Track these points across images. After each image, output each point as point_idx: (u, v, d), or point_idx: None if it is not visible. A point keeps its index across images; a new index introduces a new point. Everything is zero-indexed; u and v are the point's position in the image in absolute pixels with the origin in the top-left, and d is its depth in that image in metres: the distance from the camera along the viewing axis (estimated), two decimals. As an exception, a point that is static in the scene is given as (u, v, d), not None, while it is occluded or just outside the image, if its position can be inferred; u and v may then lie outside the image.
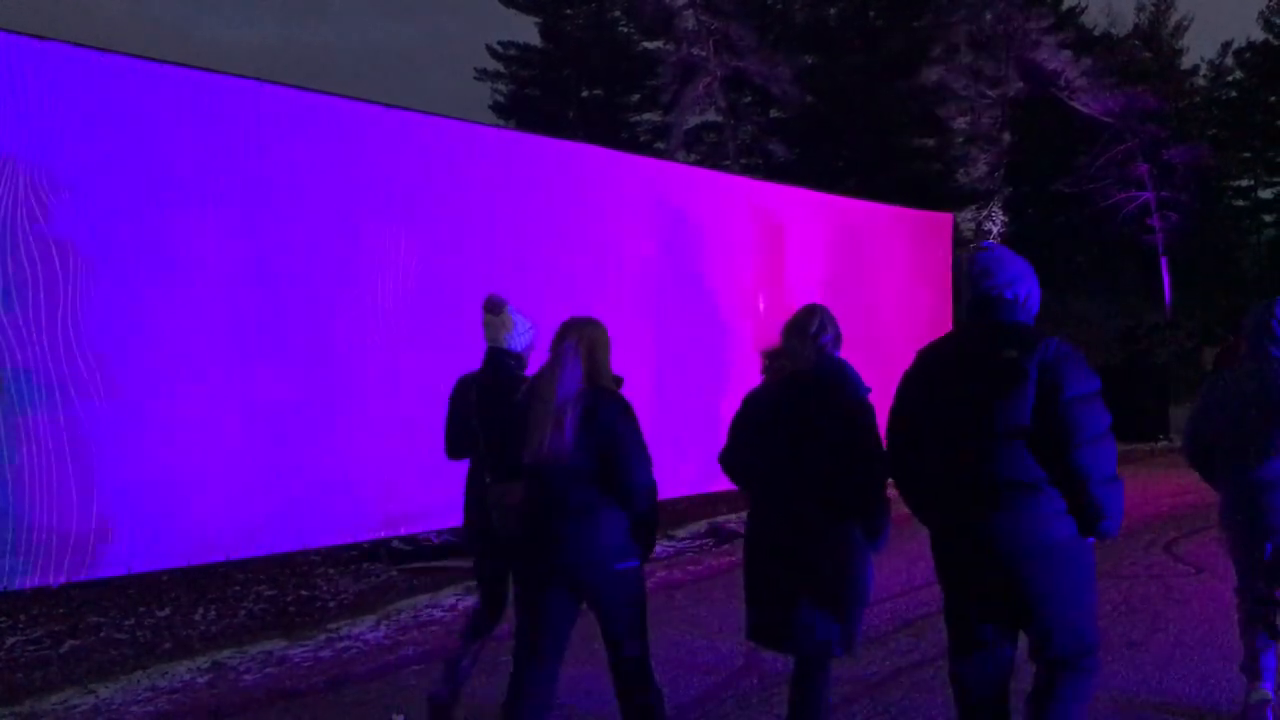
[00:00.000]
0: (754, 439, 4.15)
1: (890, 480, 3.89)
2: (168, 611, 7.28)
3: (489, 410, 4.70)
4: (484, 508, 4.69)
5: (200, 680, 5.72)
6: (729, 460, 4.30)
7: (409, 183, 7.49)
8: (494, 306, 4.88)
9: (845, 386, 4.05)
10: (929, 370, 3.64)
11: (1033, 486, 3.33)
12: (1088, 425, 3.27)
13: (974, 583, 3.55)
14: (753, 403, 4.23)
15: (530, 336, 4.90)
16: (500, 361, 4.83)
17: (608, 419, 3.90)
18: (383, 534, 7.55)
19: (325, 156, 6.97)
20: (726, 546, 9.19)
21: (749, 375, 10.16)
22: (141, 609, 7.32)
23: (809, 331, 4.11)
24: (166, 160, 6.17)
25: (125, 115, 6.04)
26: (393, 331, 7.34)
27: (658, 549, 9.02)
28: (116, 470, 5.93)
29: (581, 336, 4.01)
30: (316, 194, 6.91)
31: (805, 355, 4.08)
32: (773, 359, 4.20)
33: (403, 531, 7.72)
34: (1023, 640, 3.70)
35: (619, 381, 4.09)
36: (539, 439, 3.92)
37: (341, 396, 7.03)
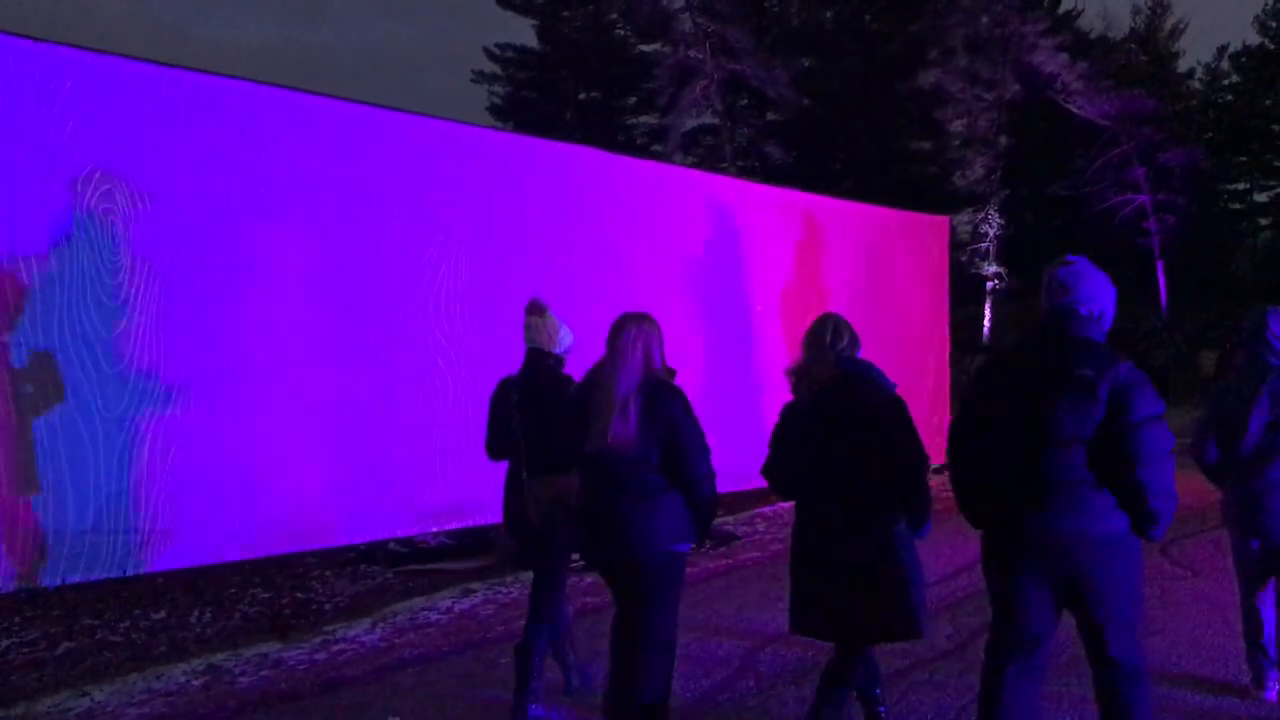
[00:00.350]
0: (792, 450, 4.33)
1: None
2: (163, 614, 7.27)
3: (529, 409, 4.93)
4: (520, 499, 4.94)
5: (195, 683, 5.71)
6: (770, 471, 4.48)
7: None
8: (537, 309, 5.08)
9: (873, 386, 4.24)
10: (1001, 376, 3.83)
11: (1088, 484, 3.54)
12: (1152, 447, 3.49)
13: (1026, 576, 3.67)
14: (789, 415, 4.41)
15: (570, 339, 5.11)
16: (541, 362, 5.01)
17: (668, 410, 4.18)
18: (383, 535, 7.54)
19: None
20: (723, 549, 9.19)
21: (741, 379, 10.18)
22: (137, 611, 7.31)
23: (825, 341, 4.30)
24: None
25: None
26: (396, 334, 7.33)
27: (654, 551, 9.04)
28: (112, 473, 5.92)
29: (639, 331, 4.27)
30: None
31: (827, 363, 4.26)
32: (799, 375, 4.37)
33: (401, 533, 7.70)
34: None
35: (672, 374, 4.33)
36: (601, 428, 4.18)
37: (338, 399, 7.02)
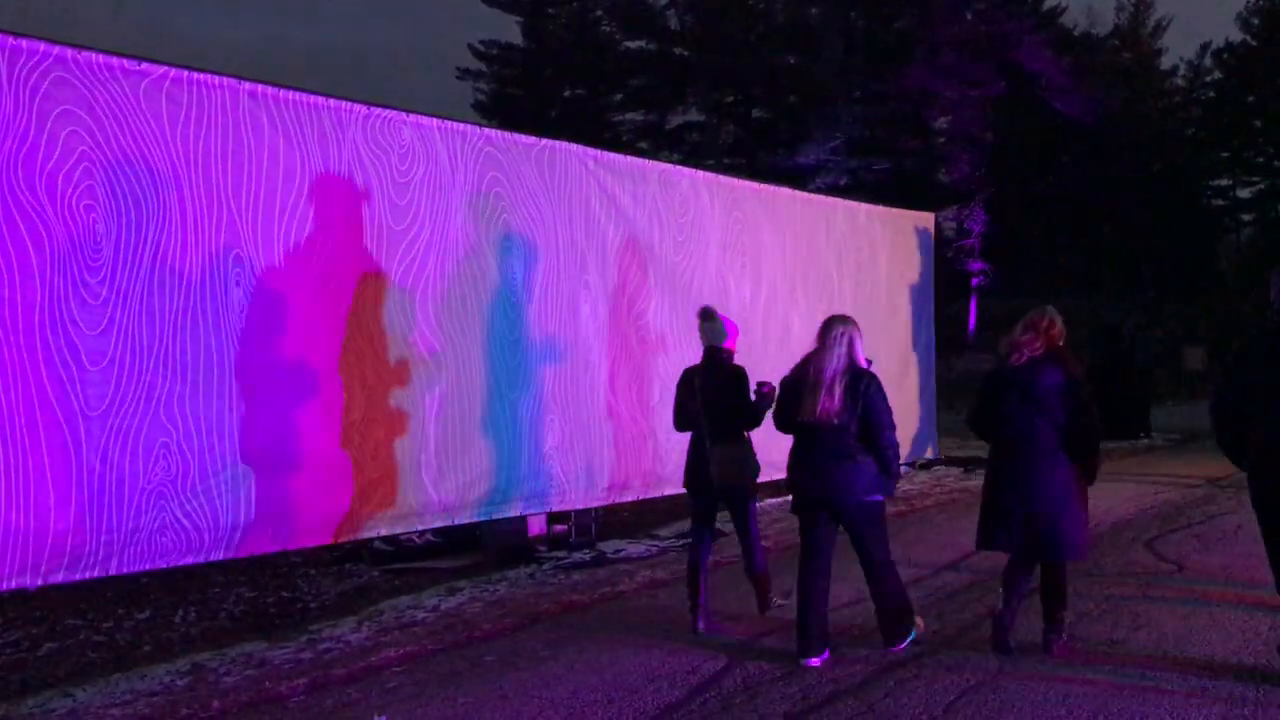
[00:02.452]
0: (998, 405, 5.65)
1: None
2: (147, 614, 7.22)
3: (710, 392, 6.31)
4: (703, 463, 6.32)
5: (180, 682, 5.67)
6: (977, 419, 5.86)
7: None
8: (708, 315, 6.57)
9: (1070, 366, 5.56)
10: (1262, 345, 5.31)
11: None
12: None
13: None
14: (996, 379, 5.72)
15: (734, 335, 6.53)
16: (716, 356, 6.46)
17: (867, 391, 5.46)
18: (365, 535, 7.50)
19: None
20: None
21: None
22: (120, 611, 7.26)
23: (1040, 328, 5.59)
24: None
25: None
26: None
27: (640, 549, 9.05)
28: (94, 471, 5.87)
29: (844, 329, 5.59)
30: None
31: (1036, 346, 5.56)
32: (1010, 348, 5.66)
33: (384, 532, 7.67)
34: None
35: (869, 362, 5.64)
36: (812, 404, 5.46)
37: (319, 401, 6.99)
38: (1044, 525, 5.50)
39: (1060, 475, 5.52)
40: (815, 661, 5.50)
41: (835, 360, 5.49)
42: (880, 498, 5.57)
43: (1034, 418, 5.51)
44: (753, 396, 6.31)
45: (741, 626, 6.40)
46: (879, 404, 5.45)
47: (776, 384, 6.00)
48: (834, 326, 5.60)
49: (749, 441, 6.42)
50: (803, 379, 5.57)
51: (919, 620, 5.88)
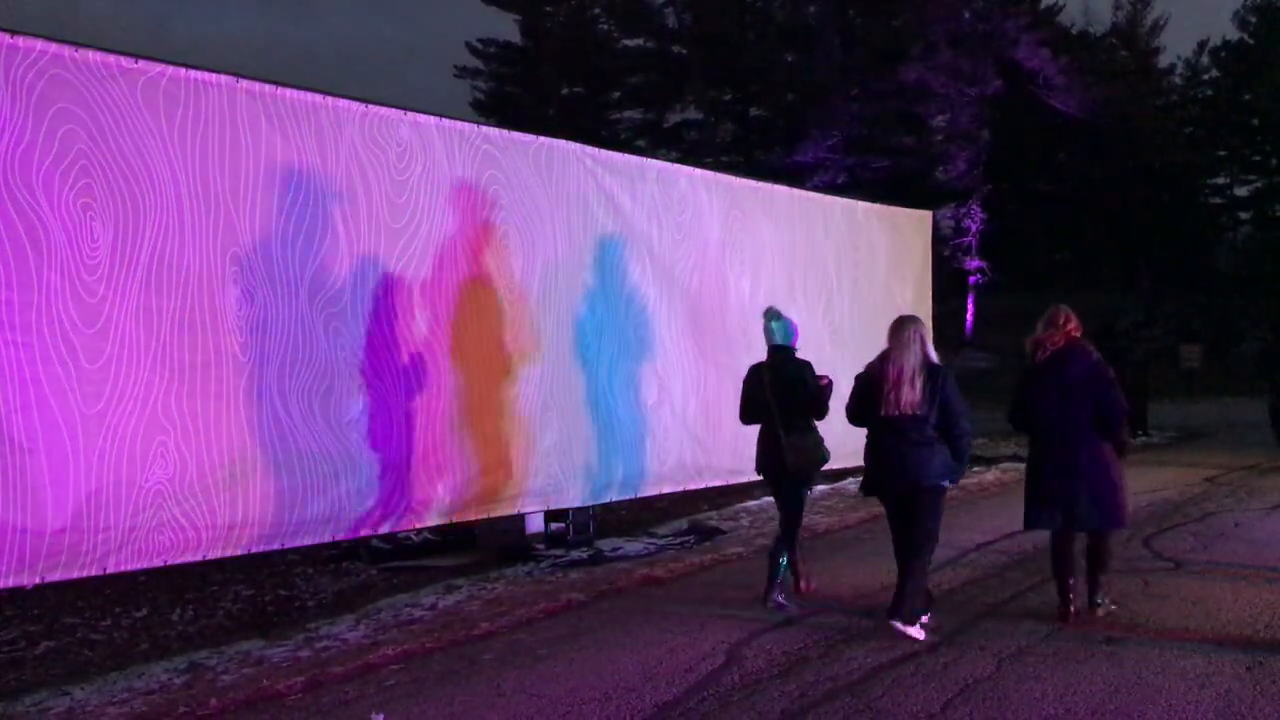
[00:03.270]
0: (1036, 398, 6.37)
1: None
2: (145, 612, 7.22)
3: (780, 386, 6.94)
4: (776, 451, 6.90)
5: (177, 681, 5.67)
6: (1015, 414, 6.58)
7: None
8: (774, 315, 7.19)
9: (1094, 357, 6.30)
10: None
11: None
12: None
13: None
14: (1029, 375, 6.43)
15: (788, 330, 7.12)
16: (783, 353, 7.06)
17: (943, 384, 6.04)
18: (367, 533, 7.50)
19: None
20: (707, 544, 9.19)
21: (724, 373, 10.18)
22: (118, 609, 7.26)
23: (1059, 324, 6.34)
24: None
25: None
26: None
27: (638, 547, 9.05)
28: (91, 469, 5.86)
29: (917, 328, 6.16)
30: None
31: (1056, 340, 6.29)
32: (1035, 346, 6.38)
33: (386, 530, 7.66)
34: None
35: (939, 360, 6.21)
36: (894, 397, 6.03)
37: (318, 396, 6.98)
38: (1085, 499, 6.24)
39: (1095, 453, 6.27)
40: (907, 623, 6.05)
41: (913, 357, 6.05)
42: (947, 482, 6.16)
43: (1067, 404, 6.25)
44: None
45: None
46: (954, 395, 6.07)
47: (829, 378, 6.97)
48: (906, 326, 6.17)
49: (817, 429, 7.02)
50: (881, 375, 6.12)
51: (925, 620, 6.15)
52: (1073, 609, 6.30)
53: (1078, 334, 6.33)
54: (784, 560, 6.83)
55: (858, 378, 6.36)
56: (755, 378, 7.13)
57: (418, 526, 7.94)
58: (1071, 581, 6.35)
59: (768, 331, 7.14)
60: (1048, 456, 6.36)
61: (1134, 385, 17.71)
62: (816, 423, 7.00)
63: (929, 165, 36.59)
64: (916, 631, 5.94)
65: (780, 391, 6.92)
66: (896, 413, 6.04)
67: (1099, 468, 6.24)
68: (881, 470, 6.22)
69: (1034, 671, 5.36)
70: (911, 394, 6.00)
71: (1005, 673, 5.36)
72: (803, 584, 7.14)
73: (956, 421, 6.05)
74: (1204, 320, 34.17)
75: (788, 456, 6.86)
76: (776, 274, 11.18)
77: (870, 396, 6.17)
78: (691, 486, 10.20)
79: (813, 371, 6.98)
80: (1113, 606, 6.44)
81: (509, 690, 5.30)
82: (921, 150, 37.06)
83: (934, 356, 6.11)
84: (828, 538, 9.46)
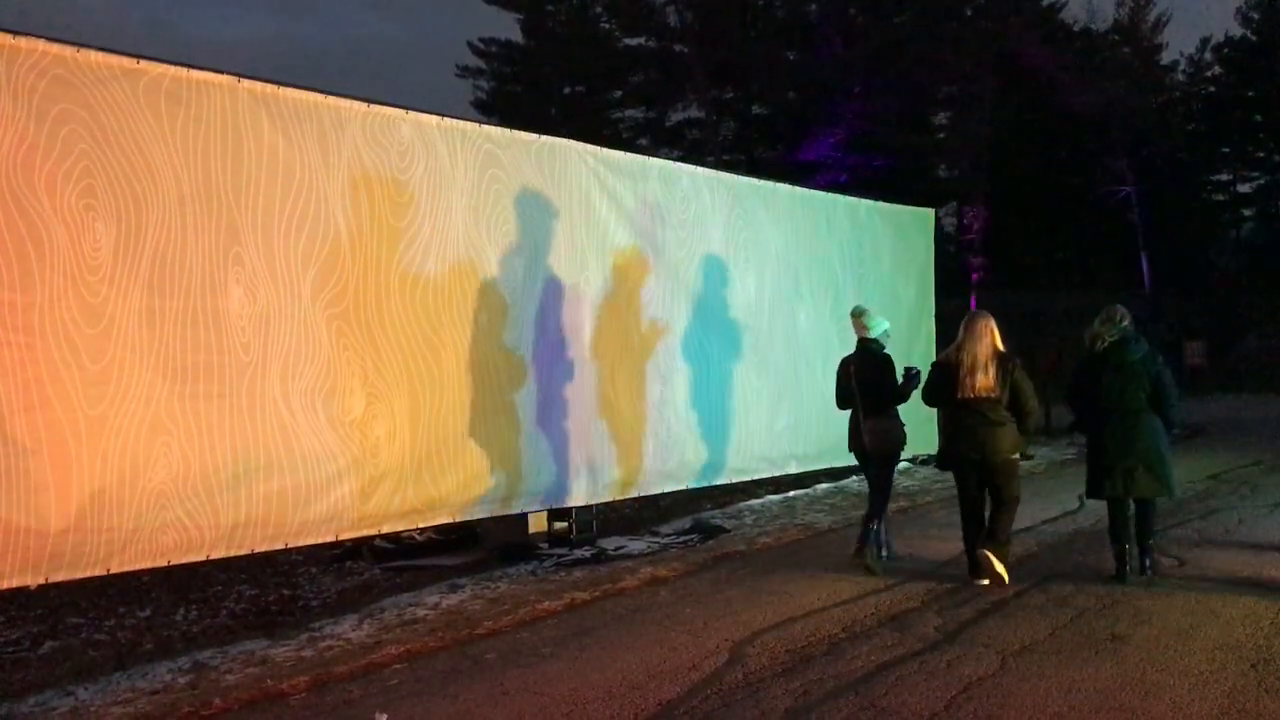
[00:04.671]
0: (1097, 382, 7.19)
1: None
2: (148, 612, 7.23)
3: (864, 374, 7.91)
4: (860, 434, 7.90)
5: (181, 680, 5.67)
6: (1076, 398, 7.45)
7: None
8: (860, 312, 8.11)
9: (1147, 347, 7.21)
10: None
11: None
12: None
13: None
14: (1090, 361, 7.27)
15: (885, 328, 8.05)
16: (868, 346, 7.98)
17: (1012, 369, 7.02)
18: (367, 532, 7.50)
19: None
20: (711, 543, 9.18)
21: (729, 371, 10.17)
22: (122, 609, 7.27)
23: (1116, 319, 7.21)
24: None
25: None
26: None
27: (641, 545, 9.05)
28: (94, 470, 5.86)
29: (987, 322, 7.11)
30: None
31: (1112, 335, 7.16)
32: (1094, 337, 7.25)
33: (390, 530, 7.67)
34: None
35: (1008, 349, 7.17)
36: (972, 383, 6.98)
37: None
38: (1142, 471, 7.04)
39: (1148, 429, 7.10)
40: (987, 581, 7.03)
41: (986, 347, 7.00)
42: (1017, 457, 7.22)
43: (1124, 387, 7.10)
44: (899, 379, 7.86)
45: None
46: (1023, 380, 7.03)
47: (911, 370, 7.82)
48: (978, 320, 7.13)
49: (898, 415, 7.89)
50: (957, 364, 7.04)
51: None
52: (1128, 569, 7.13)
53: (1132, 327, 7.23)
54: (874, 526, 7.74)
55: (933, 365, 7.40)
56: (844, 368, 8.10)
57: (421, 526, 7.95)
58: (1127, 546, 7.16)
59: (855, 327, 8.06)
60: (1108, 434, 7.13)
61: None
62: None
63: (931, 163, 36.55)
64: (1003, 575, 7.00)
65: (864, 380, 7.86)
66: (972, 395, 6.98)
67: (1153, 443, 7.06)
68: (958, 447, 7.16)
69: (1038, 669, 5.36)
70: (985, 379, 6.95)
71: (1009, 670, 5.36)
72: (883, 552, 7.90)
73: (1026, 402, 7.03)
74: (1207, 317, 34.11)
75: (866, 439, 7.84)
76: (782, 272, 11.18)
77: (946, 382, 7.10)
78: (694, 485, 10.21)
79: (892, 363, 7.95)
80: (1163, 561, 7.49)
81: (512, 689, 5.30)
82: (924, 148, 37.03)
83: (1002, 346, 7.07)
84: (829, 535, 9.46)
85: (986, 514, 7.26)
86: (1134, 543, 7.23)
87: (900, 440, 7.92)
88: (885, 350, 8.03)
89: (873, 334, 7.97)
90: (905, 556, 8.15)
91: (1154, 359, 7.17)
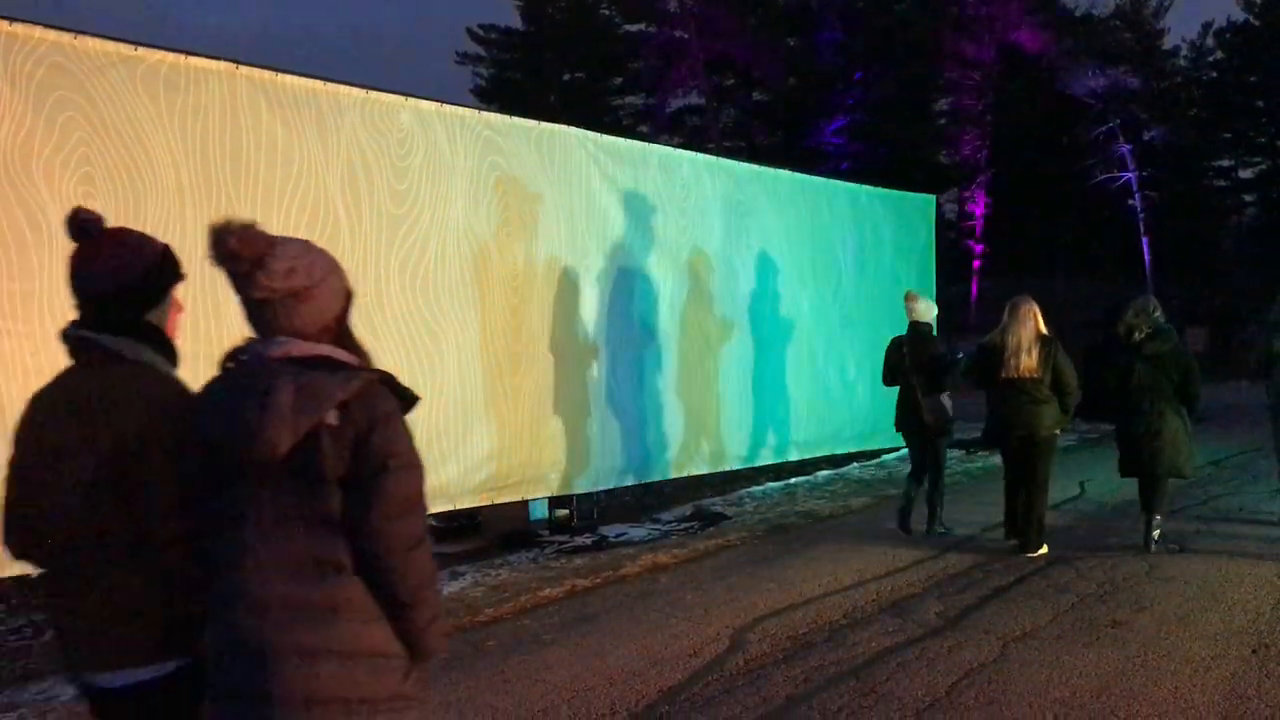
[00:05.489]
0: (1129, 369, 7.59)
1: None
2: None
3: (919, 355, 8.39)
4: (913, 410, 8.41)
5: (183, 668, 5.66)
6: (1110, 383, 7.72)
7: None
8: (913, 297, 8.64)
9: (1177, 339, 7.67)
10: None
11: None
12: None
13: None
14: (1125, 350, 7.63)
15: (934, 312, 8.63)
16: (919, 328, 8.49)
17: (1057, 352, 7.55)
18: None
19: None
20: (711, 529, 9.19)
21: (729, 357, 10.14)
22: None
23: (1149, 311, 7.65)
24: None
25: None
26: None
27: (642, 532, 9.05)
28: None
29: (1029, 306, 7.61)
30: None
31: (1146, 326, 7.59)
32: (1128, 328, 7.62)
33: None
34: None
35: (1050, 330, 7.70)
36: (1016, 364, 7.48)
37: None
38: (1167, 451, 7.53)
39: (1171, 414, 7.57)
40: (1034, 552, 7.59)
41: (1030, 330, 7.53)
42: (1057, 432, 7.73)
43: (1154, 375, 7.56)
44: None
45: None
46: (1064, 362, 7.56)
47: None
48: (1021, 305, 7.65)
49: (947, 395, 8.41)
50: (1002, 346, 7.56)
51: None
52: (1151, 540, 7.71)
53: (1163, 320, 7.72)
54: (939, 500, 8.52)
55: (979, 347, 7.97)
56: (896, 349, 8.61)
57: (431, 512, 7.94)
58: (1149, 516, 7.78)
59: (908, 311, 8.54)
60: (1138, 417, 7.60)
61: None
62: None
63: (933, 149, 36.46)
64: (1040, 551, 7.59)
65: (919, 361, 8.37)
66: (1016, 375, 7.47)
67: (1175, 428, 7.55)
68: (1003, 424, 7.70)
69: (1039, 655, 5.36)
70: (1029, 360, 7.44)
71: (1010, 656, 5.36)
72: (937, 525, 8.54)
73: (1066, 382, 7.53)
74: (1208, 304, 34.07)
75: (926, 417, 8.32)
76: (784, 258, 11.17)
77: (990, 363, 7.62)
78: (692, 473, 10.22)
79: (939, 345, 8.64)
80: (1173, 546, 7.73)
81: (513, 675, 5.30)
82: (925, 134, 36.94)
83: (1045, 329, 7.61)
84: (830, 522, 9.47)
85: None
86: (1148, 513, 7.76)
87: (952, 417, 8.53)
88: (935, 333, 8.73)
89: (925, 318, 8.50)
90: (905, 543, 8.16)
91: (1183, 350, 7.65)
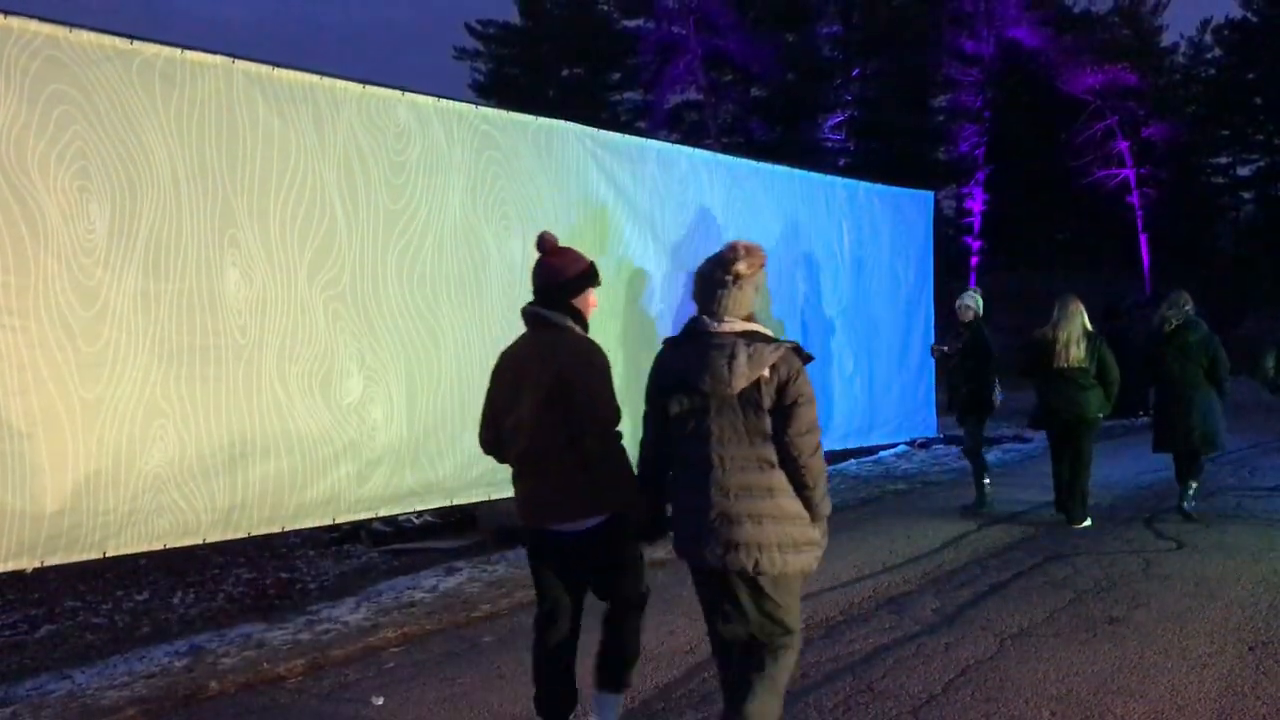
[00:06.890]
0: (1164, 357, 8.67)
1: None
2: (145, 595, 7.22)
3: (965, 346, 9.43)
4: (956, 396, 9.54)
5: (178, 664, 5.66)
6: (1148, 369, 8.91)
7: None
8: (969, 292, 9.63)
9: (1207, 330, 8.63)
10: None
11: None
12: None
13: None
14: (1159, 340, 8.70)
15: (980, 306, 9.51)
16: (976, 326, 9.43)
17: (1101, 345, 8.50)
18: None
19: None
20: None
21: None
22: (119, 593, 7.26)
23: (1180, 305, 8.67)
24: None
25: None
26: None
27: (640, 528, 9.03)
28: (90, 453, 5.84)
29: (1077, 304, 8.53)
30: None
31: (1178, 318, 8.65)
32: (1161, 320, 8.75)
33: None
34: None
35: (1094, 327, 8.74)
36: (1066, 355, 8.37)
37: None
38: (1199, 430, 8.51)
39: (1204, 398, 8.54)
40: (1080, 525, 8.51)
41: (1078, 325, 8.45)
42: (1100, 415, 8.57)
43: (1185, 362, 8.55)
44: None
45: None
46: (1108, 354, 8.51)
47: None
48: (1070, 302, 8.57)
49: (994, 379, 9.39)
50: (1053, 339, 8.47)
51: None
52: (1185, 504, 8.72)
53: (1193, 312, 8.66)
54: (985, 478, 9.47)
55: (1030, 339, 8.77)
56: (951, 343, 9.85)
57: (418, 509, 7.94)
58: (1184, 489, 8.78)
59: (966, 311, 9.49)
60: (1172, 400, 8.65)
61: (1135, 365, 17.68)
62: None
63: (931, 145, 36.42)
64: (1084, 523, 8.53)
65: (964, 352, 9.42)
66: (1066, 365, 8.38)
67: (1208, 407, 8.52)
68: (1053, 408, 8.57)
69: (1036, 651, 5.36)
70: (1078, 352, 8.38)
71: (1007, 652, 5.36)
72: (983, 500, 9.49)
73: (1109, 372, 8.47)
74: (1206, 300, 34.04)
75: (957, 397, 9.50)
76: (782, 254, 11.14)
77: (1040, 354, 8.51)
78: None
79: (985, 336, 9.43)
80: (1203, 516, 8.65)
81: (509, 672, 5.29)
82: (923, 130, 36.90)
83: (1088, 322, 8.57)
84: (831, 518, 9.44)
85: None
86: (1185, 482, 8.79)
87: (993, 404, 9.48)
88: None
89: (972, 313, 9.52)
90: (903, 539, 8.15)
91: (1211, 340, 8.58)
